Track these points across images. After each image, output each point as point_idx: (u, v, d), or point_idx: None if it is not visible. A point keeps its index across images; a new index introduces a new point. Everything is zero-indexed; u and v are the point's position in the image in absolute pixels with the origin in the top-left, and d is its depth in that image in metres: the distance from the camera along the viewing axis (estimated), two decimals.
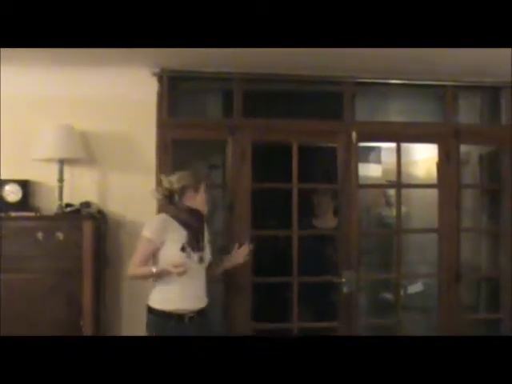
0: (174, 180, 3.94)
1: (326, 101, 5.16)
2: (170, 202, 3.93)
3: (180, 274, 3.65)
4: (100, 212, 4.46)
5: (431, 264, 5.31)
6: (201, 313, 3.89)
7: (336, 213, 5.10)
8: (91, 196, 4.55)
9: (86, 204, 4.44)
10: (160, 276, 3.77)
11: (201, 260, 3.90)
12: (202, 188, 3.97)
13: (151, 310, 3.85)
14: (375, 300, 6.39)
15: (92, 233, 4.16)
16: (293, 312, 4.83)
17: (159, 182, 4.05)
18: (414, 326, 5.73)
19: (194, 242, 3.85)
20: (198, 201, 3.94)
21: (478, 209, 5.65)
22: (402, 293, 5.47)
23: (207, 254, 3.98)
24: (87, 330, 4.12)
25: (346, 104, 4.99)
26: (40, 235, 4.08)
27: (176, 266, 3.64)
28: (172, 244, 3.79)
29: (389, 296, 6.17)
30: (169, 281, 3.77)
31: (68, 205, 4.38)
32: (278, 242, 5.26)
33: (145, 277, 3.87)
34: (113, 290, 4.57)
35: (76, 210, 4.37)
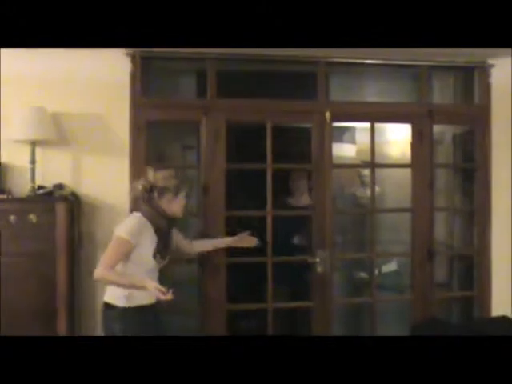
0: (159, 177, 3.86)
1: (300, 81, 5.14)
2: (147, 196, 3.81)
3: (155, 293, 3.52)
4: (73, 194, 4.42)
5: (405, 243, 5.34)
6: (156, 305, 3.80)
7: (311, 192, 5.10)
8: (64, 178, 4.49)
9: (59, 186, 4.40)
10: (134, 286, 3.64)
11: (161, 264, 3.88)
12: (183, 194, 3.89)
13: (113, 307, 3.74)
14: (350, 279, 6.43)
15: (65, 215, 4.13)
16: (267, 292, 4.85)
17: (144, 173, 3.95)
18: (388, 304, 5.78)
19: (162, 249, 3.81)
20: (174, 206, 3.87)
21: (451, 188, 5.69)
22: (376, 272, 5.51)
23: (167, 258, 3.93)
24: (62, 312, 4.09)
25: (320, 84, 4.97)
26: (12, 218, 4.04)
27: (162, 291, 3.48)
28: (144, 248, 3.72)
29: (363, 275, 6.20)
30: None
31: (40, 187, 4.34)
32: (252, 222, 5.25)
33: (118, 282, 3.68)
34: (87, 273, 4.52)
35: (49, 193, 4.33)
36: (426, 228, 5.10)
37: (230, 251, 4.62)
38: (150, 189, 3.82)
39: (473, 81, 5.35)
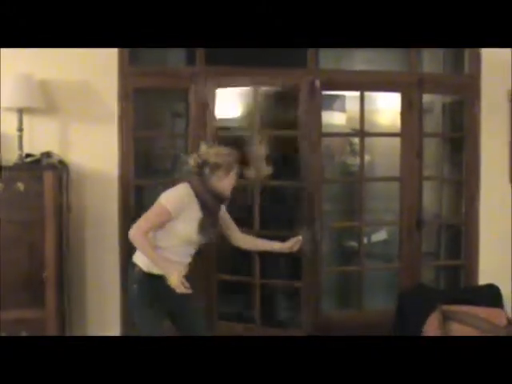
0: (212, 153, 3.75)
1: (290, 48, 5.11)
2: (199, 172, 3.73)
3: (175, 287, 3.54)
4: (61, 162, 4.40)
5: (395, 212, 5.36)
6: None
7: (269, 161, 5.02)
8: (52, 146, 4.46)
9: (47, 154, 4.38)
10: (163, 270, 3.60)
11: (207, 240, 3.83)
12: (234, 172, 3.79)
13: (136, 268, 3.73)
14: (339, 248, 6.45)
15: (53, 183, 4.10)
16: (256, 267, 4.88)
17: (197, 151, 3.84)
18: (376, 273, 5.82)
19: (207, 227, 3.72)
20: (224, 183, 3.76)
21: (440, 157, 5.70)
22: (365, 241, 5.54)
23: (213, 237, 3.89)
24: (50, 281, 4.10)
25: (310, 52, 4.95)
26: (0, 186, 4.02)
27: (182, 282, 3.51)
28: (185, 222, 3.65)
29: (353, 244, 6.23)
30: (164, 252, 3.66)
31: (28, 155, 4.31)
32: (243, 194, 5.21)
33: (146, 254, 3.64)
34: (76, 241, 4.54)
35: (36, 161, 4.31)
36: (414, 197, 5.11)
37: None
38: (202, 164, 3.73)
39: (463, 50, 5.33)
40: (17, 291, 4.06)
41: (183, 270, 3.62)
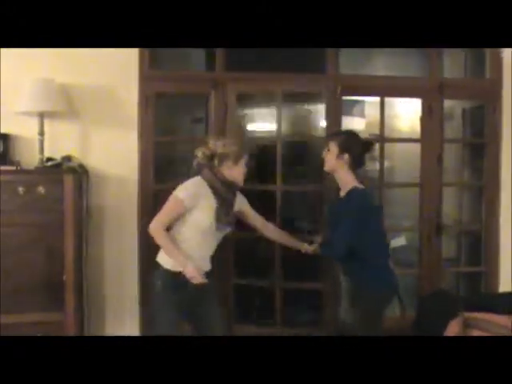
0: (219, 144, 3.86)
1: (311, 54, 5.11)
2: (208, 165, 3.85)
3: (191, 277, 3.66)
4: (81, 166, 4.41)
5: (414, 218, 5.33)
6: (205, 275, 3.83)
7: None
8: (72, 150, 4.49)
9: (67, 158, 4.40)
10: (178, 262, 3.72)
11: (222, 232, 3.90)
12: (243, 160, 3.88)
13: (160, 267, 3.83)
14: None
15: (73, 187, 4.12)
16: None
17: (206, 143, 3.92)
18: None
19: (221, 215, 3.80)
20: (234, 172, 3.85)
21: (460, 163, 5.67)
22: None
23: (229, 227, 3.94)
24: (69, 284, 4.11)
25: (330, 57, 4.94)
26: (21, 189, 4.03)
27: (194, 276, 3.65)
28: (200, 212, 3.75)
29: None
30: (184, 246, 3.77)
31: (49, 159, 4.34)
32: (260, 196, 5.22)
33: (164, 247, 3.77)
34: (95, 245, 4.55)
35: (57, 164, 4.33)
36: (434, 203, 5.09)
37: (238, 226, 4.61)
38: (211, 156, 3.85)
39: (484, 55, 5.30)
40: (36, 294, 4.08)
41: (206, 265, 3.84)
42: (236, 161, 3.84)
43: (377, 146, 5.11)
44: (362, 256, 3.86)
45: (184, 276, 3.68)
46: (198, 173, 3.89)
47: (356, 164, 3.95)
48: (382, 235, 4.06)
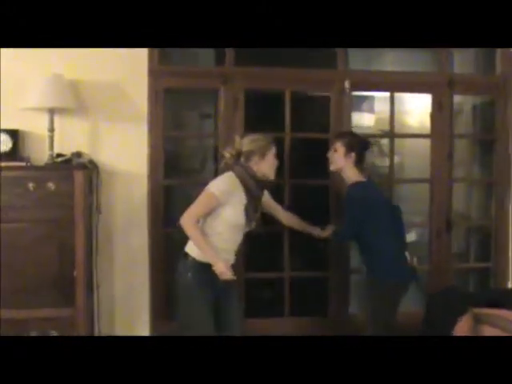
0: (245, 142, 3.94)
1: (320, 49, 5.10)
2: (235, 162, 3.93)
3: (220, 273, 3.72)
4: (91, 162, 4.41)
5: (423, 214, 5.33)
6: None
7: None
8: (82, 146, 4.49)
9: (77, 154, 4.40)
10: (209, 257, 3.77)
11: (249, 226, 3.97)
12: (270, 154, 3.95)
13: (189, 257, 3.87)
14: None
15: (83, 183, 4.12)
16: (284, 261, 4.89)
17: (232, 142, 4.02)
18: None
19: (251, 212, 3.88)
20: (262, 167, 3.92)
21: (470, 159, 5.65)
22: None
23: (256, 222, 4.00)
24: (80, 280, 4.11)
25: (340, 52, 4.93)
26: (31, 185, 4.03)
27: (224, 272, 3.71)
28: (233, 208, 3.82)
29: None
30: (213, 239, 3.83)
31: (59, 155, 4.34)
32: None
33: (195, 240, 3.80)
34: (106, 240, 4.56)
35: (67, 160, 4.33)
36: (444, 199, 5.08)
37: None
38: (238, 155, 3.93)
39: (494, 50, 5.28)
40: (47, 290, 4.07)
41: (231, 259, 3.93)
42: (262, 155, 3.91)
43: (385, 141, 5.13)
44: (372, 246, 4.22)
45: (210, 266, 3.74)
46: (228, 170, 3.95)
47: (359, 161, 4.27)
48: (392, 227, 4.28)
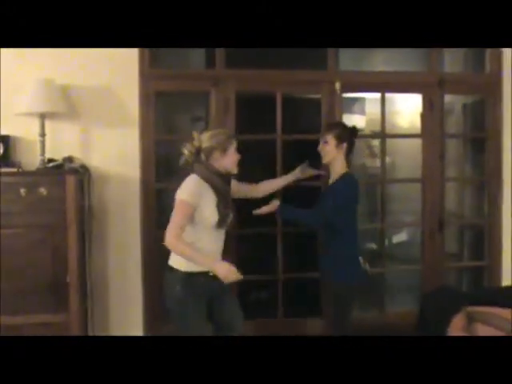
0: (204, 138, 3.83)
1: (310, 50, 5.11)
2: (196, 159, 3.82)
3: (224, 278, 3.62)
4: (83, 166, 4.41)
5: (416, 213, 5.34)
6: None
7: None
8: (74, 151, 4.49)
9: (69, 159, 4.39)
10: (204, 265, 3.69)
11: (226, 222, 3.87)
12: (231, 149, 3.84)
13: (175, 271, 3.78)
14: (360, 250, 6.42)
15: (75, 187, 4.11)
16: (278, 263, 4.89)
17: (190, 139, 3.87)
18: (399, 275, 5.79)
19: (221, 208, 3.77)
20: (224, 162, 3.82)
21: (461, 158, 5.67)
22: (386, 242, 5.52)
23: (230, 218, 3.90)
24: (73, 284, 4.10)
25: (330, 53, 4.94)
26: (23, 191, 4.02)
27: (227, 275, 3.61)
28: (205, 208, 3.72)
29: (373, 246, 6.20)
30: (199, 246, 3.73)
31: (50, 160, 4.33)
32: None
33: (186, 255, 3.67)
34: (98, 244, 4.55)
35: (59, 165, 4.32)
36: (436, 198, 5.10)
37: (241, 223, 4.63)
38: (197, 151, 3.82)
39: (484, 49, 5.30)
40: (41, 295, 4.06)
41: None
42: (223, 151, 3.81)
43: (377, 142, 5.14)
44: (336, 242, 4.20)
45: (203, 275, 3.70)
46: (187, 170, 3.86)
47: (350, 151, 4.27)
48: (355, 226, 4.30)
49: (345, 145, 4.18)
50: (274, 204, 4.19)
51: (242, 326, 3.99)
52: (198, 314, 3.78)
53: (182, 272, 3.75)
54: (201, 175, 3.77)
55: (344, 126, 4.31)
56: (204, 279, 3.71)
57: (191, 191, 3.71)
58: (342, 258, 4.17)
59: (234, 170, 3.92)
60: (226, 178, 3.87)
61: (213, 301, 3.88)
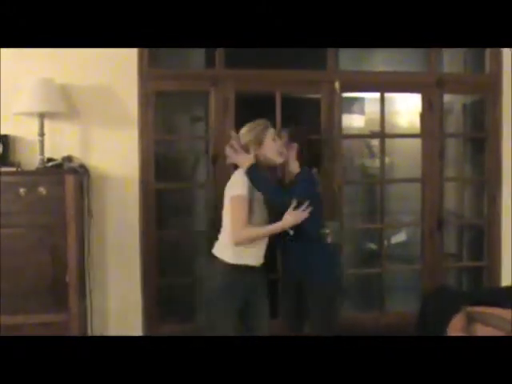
0: (242, 134, 3.88)
1: (310, 50, 5.11)
2: None
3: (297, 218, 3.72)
4: (82, 166, 4.40)
5: (415, 213, 5.34)
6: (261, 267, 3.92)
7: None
8: (73, 150, 4.48)
9: (68, 158, 4.39)
10: (277, 229, 3.76)
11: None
12: (268, 139, 3.85)
13: (218, 260, 3.79)
14: (359, 250, 6.43)
15: (74, 187, 4.11)
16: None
17: (228, 139, 3.91)
18: (398, 275, 5.79)
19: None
20: (264, 154, 3.84)
21: (461, 158, 5.67)
22: (385, 243, 5.51)
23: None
24: (72, 285, 4.10)
25: (330, 53, 4.94)
26: (22, 190, 4.02)
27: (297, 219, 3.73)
28: (256, 200, 3.76)
29: (373, 246, 6.21)
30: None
31: (50, 159, 4.32)
32: None
33: (260, 236, 3.79)
34: (97, 244, 4.55)
35: (58, 165, 4.31)
36: (435, 198, 5.09)
37: None
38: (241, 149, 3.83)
39: (483, 49, 5.30)
40: (40, 295, 4.06)
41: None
42: (259, 143, 3.82)
43: (376, 142, 5.13)
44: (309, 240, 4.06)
45: (242, 268, 3.74)
46: (234, 167, 3.88)
47: (305, 152, 4.05)
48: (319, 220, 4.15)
49: (295, 145, 4.03)
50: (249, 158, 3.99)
51: (267, 330, 3.97)
52: (231, 307, 3.77)
53: (224, 262, 3.76)
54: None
55: (296, 126, 4.24)
56: (251, 274, 3.77)
57: (242, 184, 3.72)
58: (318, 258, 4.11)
59: (277, 159, 3.90)
60: (271, 169, 3.93)
61: (248, 299, 3.86)
